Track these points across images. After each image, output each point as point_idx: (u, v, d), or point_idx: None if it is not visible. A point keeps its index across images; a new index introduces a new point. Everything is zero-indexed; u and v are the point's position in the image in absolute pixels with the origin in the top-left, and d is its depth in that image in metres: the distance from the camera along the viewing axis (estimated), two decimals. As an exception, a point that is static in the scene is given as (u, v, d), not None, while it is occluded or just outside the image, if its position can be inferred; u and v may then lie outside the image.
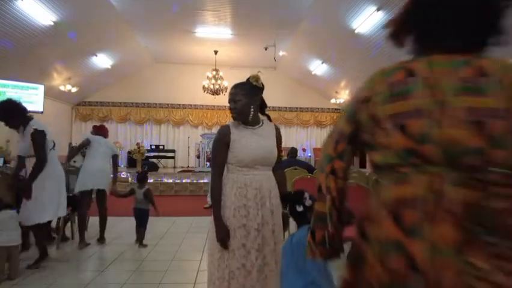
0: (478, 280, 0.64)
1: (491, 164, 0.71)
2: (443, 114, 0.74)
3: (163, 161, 12.81)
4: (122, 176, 9.77)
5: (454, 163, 0.73)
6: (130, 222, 4.59)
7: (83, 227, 4.08)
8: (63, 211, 3.48)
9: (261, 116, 2.01)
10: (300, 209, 1.77)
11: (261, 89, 1.94)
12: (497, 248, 0.66)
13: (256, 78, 1.93)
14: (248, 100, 1.88)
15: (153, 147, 12.69)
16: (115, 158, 4.53)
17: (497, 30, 0.82)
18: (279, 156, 1.99)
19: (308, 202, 1.78)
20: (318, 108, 13.89)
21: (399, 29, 0.95)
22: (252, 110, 1.88)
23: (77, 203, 4.09)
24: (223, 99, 12.82)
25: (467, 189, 0.70)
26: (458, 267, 0.66)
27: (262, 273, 1.76)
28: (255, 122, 1.93)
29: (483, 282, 0.64)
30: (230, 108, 1.89)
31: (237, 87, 1.91)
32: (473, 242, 0.67)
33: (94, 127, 4.73)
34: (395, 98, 0.81)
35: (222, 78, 11.65)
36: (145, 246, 4.12)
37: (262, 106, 2.00)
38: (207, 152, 10.66)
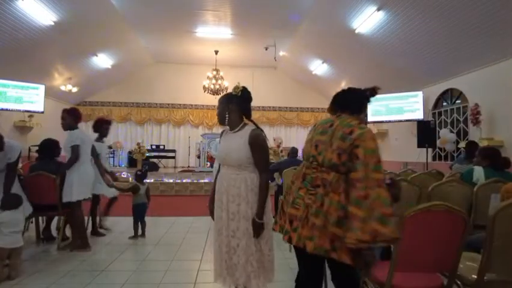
0: (300, 199, 1.71)
1: (316, 161, 1.72)
2: (310, 141, 1.80)
3: (163, 160, 12.82)
4: (122, 175, 9.78)
5: (307, 160, 1.78)
6: (130, 222, 4.60)
7: (84, 230, 4.01)
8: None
9: (248, 122, 2.19)
10: None
11: (236, 96, 2.14)
12: (309, 190, 1.69)
13: (235, 88, 2.16)
14: (223, 107, 2.16)
15: (154, 147, 12.70)
16: (94, 149, 4.23)
17: (362, 106, 1.88)
18: (258, 160, 2.09)
19: (387, 180, 2.31)
20: (319, 108, 13.88)
21: (330, 108, 1.90)
22: (227, 115, 2.14)
23: (72, 208, 3.90)
24: (224, 99, 12.66)
25: (308, 169, 1.75)
26: (295, 194, 1.74)
27: (221, 254, 2.12)
28: (232, 127, 2.17)
29: (301, 200, 1.70)
30: None
31: (220, 97, 2.24)
32: (304, 187, 1.72)
33: (70, 113, 4.00)
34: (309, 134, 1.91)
35: (222, 78, 11.65)
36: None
37: (246, 112, 2.19)
38: (207, 152, 10.66)
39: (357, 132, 1.61)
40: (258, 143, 2.07)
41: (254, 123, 2.18)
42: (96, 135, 4.80)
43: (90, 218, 4.62)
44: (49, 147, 4.16)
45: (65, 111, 4.01)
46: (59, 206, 3.85)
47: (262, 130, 2.15)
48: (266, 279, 2.14)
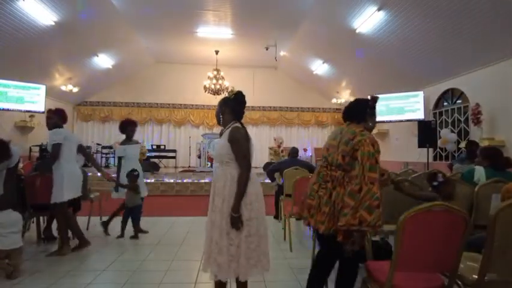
0: (314, 192, 2.19)
1: (327, 161, 2.17)
2: (325, 145, 2.28)
3: (164, 160, 12.82)
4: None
5: (323, 160, 2.24)
6: (129, 222, 4.59)
7: (79, 229, 3.93)
8: None
9: (236, 122, 2.33)
10: (435, 183, 2.61)
11: (230, 99, 2.33)
12: (321, 184, 2.15)
13: (230, 91, 2.37)
14: (218, 109, 2.39)
15: (154, 147, 12.70)
16: (82, 149, 4.10)
17: (365, 115, 2.18)
18: (235, 155, 2.20)
19: (440, 178, 2.58)
20: (319, 108, 13.88)
21: (342, 119, 2.29)
22: (221, 116, 2.36)
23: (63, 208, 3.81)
24: (224, 99, 12.63)
25: (322, 168, 2.22)
26: (311, 188, 2.24)
27: (205, 242, 2.25)
28: (225, 127, 2.36)
29: (315, 192, 2.18)
30: None
31: (219, 100, 2.44)
32: (318, 182, 2.20)
33: (56, 113, 3.92)
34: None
35: (223, 78, 11.66)
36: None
37: (238, 114, 2.34)
38: (207, 152, 10.66)
39: (358, 139, 1.99)
40: (234, 138, 2.18)
41: (240, 123, 2.31)
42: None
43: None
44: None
45: (50, 111, 3.97)
46: (53, 207, 3.76)
47: (244, 127, 2.28)
48: (240, 275, 2.12)
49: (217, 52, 11.37)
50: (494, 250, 1.77)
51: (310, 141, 13.88)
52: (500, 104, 6.39)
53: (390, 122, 9.73)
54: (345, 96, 12.44)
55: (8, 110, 8.63)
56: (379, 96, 2.29)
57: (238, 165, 2.18)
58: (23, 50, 7.65)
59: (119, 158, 4.62)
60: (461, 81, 7.61)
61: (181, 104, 13.44)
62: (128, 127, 4.69)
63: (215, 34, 9.83)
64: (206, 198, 2.39)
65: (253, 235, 2.15)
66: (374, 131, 10.56)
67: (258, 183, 2.27)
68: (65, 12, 7.12)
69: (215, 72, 11.58)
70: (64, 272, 3.22)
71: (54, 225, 4.42)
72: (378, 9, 6.53)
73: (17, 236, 3.14)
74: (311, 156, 13.38)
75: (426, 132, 7.95)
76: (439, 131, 8.01)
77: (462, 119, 7.73)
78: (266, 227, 2.27)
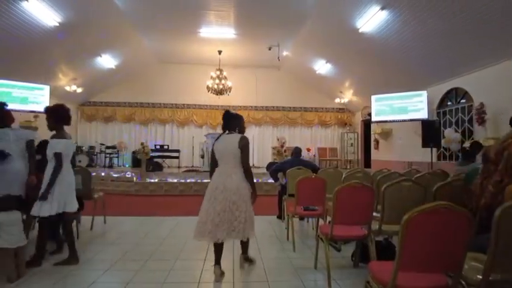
0: (476, 180, 2.72)
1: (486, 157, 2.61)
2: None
3: (167, 160, 12.85)
4: (127, 176, 9.81)
5: None
6: (133, 221, 4.60)
7: None
8: None
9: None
10: None
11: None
12: (480, 175, 2.63)
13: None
14: None
15: (157, 147, 12.73)
16: (29, 144, 3.85)
17: None
18: None
19: None
20: (323, 108, 13.86)
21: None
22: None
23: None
24: (228, 99, 12.69)
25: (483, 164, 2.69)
26: (474, 179, 2.75)
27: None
28: None
29: (476, 182, 2.70)
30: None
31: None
32: (478, 174, 2.71)
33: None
34: None
35: (225, 78, 11.66)
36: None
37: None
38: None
39: (508, 141, 2.47)
40: None
41: (223, 132, 3.30)
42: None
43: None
44: (44, 147, 4.15)
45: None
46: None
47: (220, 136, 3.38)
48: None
49: (220, 52, 11.37)
50: (499, 250, 1.76)
51: (313, 141, 13.86)
52: (504, 103, 6.35)
53: (394, 121, 9.70)
54: (348, 96, 12.41)
55: (12, 110, 8.66)
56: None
57: None
58: (27, 51, 7.69)
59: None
60: (465, 81, 7.57)
61: (184, 104, 13.47)
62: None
63: (218, 34, 9.83)
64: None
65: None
66: (378, 130, 10.52)
67: (214, 179, 3.40)
68: (69, 13, 7.15)
69: (218, 72, 11.58)
70: (67, 271, 3.24)
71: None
72: (382, 9, 6.50)
73: (23, 234, 3.15)
74: (315, 156, 13.36)
75: (430, 131, 7.92)
76: (443, 131, 7.97)
77: (466, 119, 7.68)
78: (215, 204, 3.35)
